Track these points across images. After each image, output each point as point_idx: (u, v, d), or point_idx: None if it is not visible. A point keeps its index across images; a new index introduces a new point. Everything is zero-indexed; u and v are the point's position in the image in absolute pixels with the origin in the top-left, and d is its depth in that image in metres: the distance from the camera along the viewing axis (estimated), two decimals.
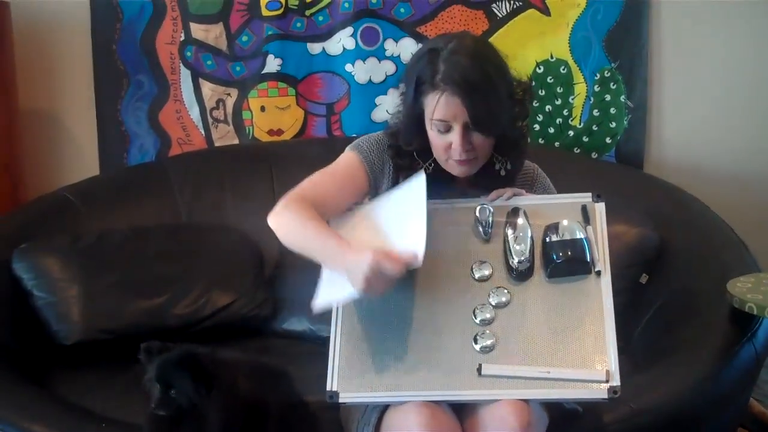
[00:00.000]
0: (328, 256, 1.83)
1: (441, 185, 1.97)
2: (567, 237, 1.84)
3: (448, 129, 1.85)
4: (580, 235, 1.84)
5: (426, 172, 1.94)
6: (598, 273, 1.83)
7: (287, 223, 1.89)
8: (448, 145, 1.87)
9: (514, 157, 1.97)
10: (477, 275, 1.86)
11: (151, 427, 1.80)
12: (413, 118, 1.91)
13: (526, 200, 1.93)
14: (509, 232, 1.87)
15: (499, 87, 1.85)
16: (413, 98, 1.88)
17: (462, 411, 1.80)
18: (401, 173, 1.98)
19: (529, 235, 1.86)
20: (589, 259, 1.83)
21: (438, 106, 1.83)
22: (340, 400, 1.78)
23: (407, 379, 1.77)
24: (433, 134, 1.88)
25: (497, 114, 1.85)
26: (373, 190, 1.99)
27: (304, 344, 2.57)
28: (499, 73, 1.87)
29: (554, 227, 1.86)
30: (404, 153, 1.96)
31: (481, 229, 1.90)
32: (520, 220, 1.88)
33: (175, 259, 2.65)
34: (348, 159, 1.99)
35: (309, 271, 2.07)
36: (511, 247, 1.85)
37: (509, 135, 1.92)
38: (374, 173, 1.98)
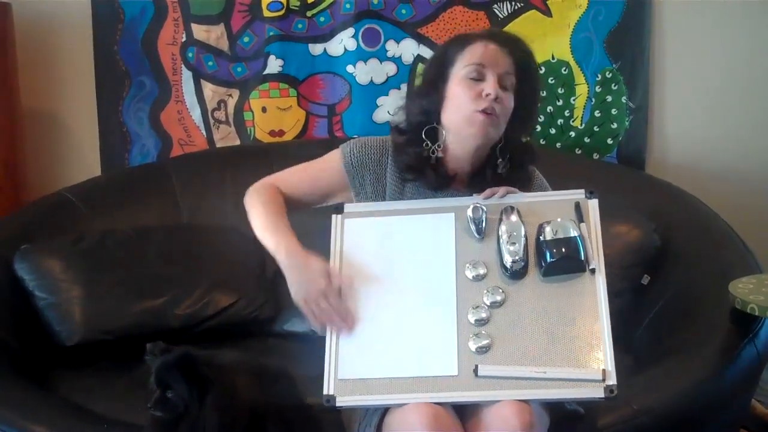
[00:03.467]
0: (278, 252, 1.92)
1: (443, 183, 1.99)
2: (561, 235, 1.83)
3: (481, 76, 1.91)
4: (573, 233, 1.83)
5: (429, 159, 1.97)
6: (593, 271, 1.83)
7: (252, 206, 2.00)
8: (478, 93, 1.90)
9: (514, 159, 1.98)
10: (471, 275, 1.86)
11: (152, 428, 1.81)
12: (434, 88, 1.96)
13: (520, 198, 1.93)
14: (503, 231, 1.86)
15: (536, 63, 2.02)
16: (438, 67, 1.96)
17: (464, 411, 1.79)
18: (405, 155, 2.00)
19: (523, 233, 1.85)
20: (583, 257, 1.83)
21: (477, 52, 1.91)
22: (337, 404, 1.78)
23: (404, 380, 1.77)
24: (461, 89, 1.91)
25: (534, 79, 1.99)
26: (356, 189, 2.02)
27: (306, 345, 2.55)
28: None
29: (548, 225, 1.85)
30: (413, 135, 1.99)
31: (474, 228, 1.89)
32: (514, 218, 1.87)
33: (176, 260, 2.65)
34: (330, 156, 2.05)
35: None
36: (504, 246, 1.85)
37: (517, 132, 1.98)
38: (351, 173, 2.00)
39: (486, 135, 1.93)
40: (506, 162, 1.97)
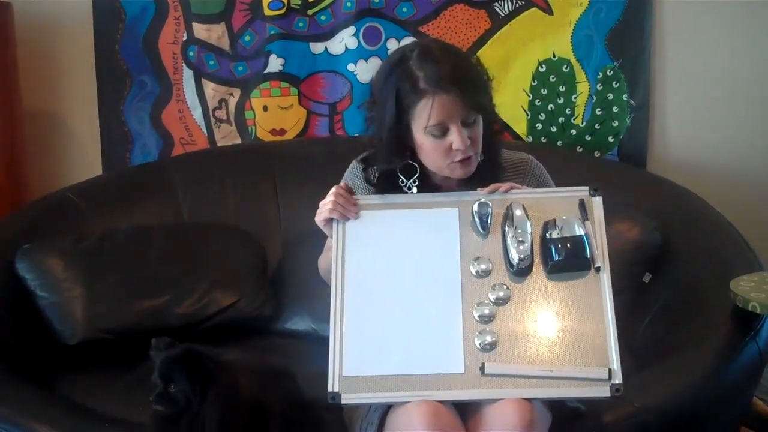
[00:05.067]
0: None
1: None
2: (567, 234, 1.83)
3: (444, 132, 1.86)
4: (579, 231, 1.83)
5: (410, 191, 1.96)
6: (598, 269, 1.83)
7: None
8: (447, 148, 1.87)
9: (486, 137, 1.95)
10: (475, 270, 1.85)
11: (154, 423, 1.82)
12: (396, 137, 1.89)
13: (524, 194, 1.92)
14: (509, 227, 1.86)
15: (474, 67, 1.92)
16: (396, 115, 1.86)
17: (465, 409, 1.80)
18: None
19: (529, 231, 1.85)
20: (588, 256, 1.83)
21: (433, 111, 1.83)
22: (343, 401, 1.77)
23: (410, 378, 1.77)
24: (429, 144, 1.87)
25: (485, 92, 1.90)
26: None
27: (307, 344, 2.56)
28: (467, 57, 1.97)
29: (553, 223, 1.85)
30: (385, 174, 1.97)
31: (479, 224, 1.88)
32: (519, 214, 1.86)
33: (177, 259, 2.65)
34: None
35: (311, 270, 2.08)
36: (512, 244, 1.84)
37: (486, 113, 1.94)
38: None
39: (469, 172, 1.92)
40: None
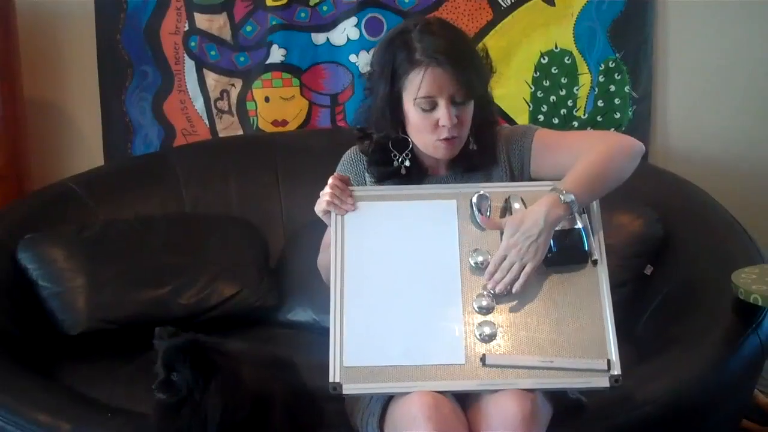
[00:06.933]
0: None
1: (418, 179, 1.98)
2: (565, 226, 1.84)
3: (433, 106, 1.86)
4: (577, 224, 1.84)
5: (401, 165, 1.96)
6: (595, 262, 1.84)
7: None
8: (434, 123, 1.87)
9: (481, 127, 1.96)
10: (474, 262, 1.86)
11: (157, 411, 1.83)
12: (388, 106, 1.91)
13: (522, 187, 1.93)
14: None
15: (474, 50, 1.92)
16: (390, 83, 1.88)
17: (465, 400, 1.80)
18: (375, 168, 1.99)
19: None
20: (586, 248, 1.84)
21: (423, 82, 1.84)
22: (344, 392, 1.78)
23: (411, 368, 1.78)
24: (417, 116, 1.88)
25: (480, 77, 1.90)
26: None
27: (309, 334, 2.57)
28: (468, 40, 1.97)
29: None
30: (378, 147, 1.97)
31: (478, 216, 1.89)
32: (517, 206, 1.86)
33: (180, 249, 2.65)
34: None
35: (313, 261, 2.08)
36: None
37: (484, 102, 1.94)
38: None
39: (452, 154, 1.93)
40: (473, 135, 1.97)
